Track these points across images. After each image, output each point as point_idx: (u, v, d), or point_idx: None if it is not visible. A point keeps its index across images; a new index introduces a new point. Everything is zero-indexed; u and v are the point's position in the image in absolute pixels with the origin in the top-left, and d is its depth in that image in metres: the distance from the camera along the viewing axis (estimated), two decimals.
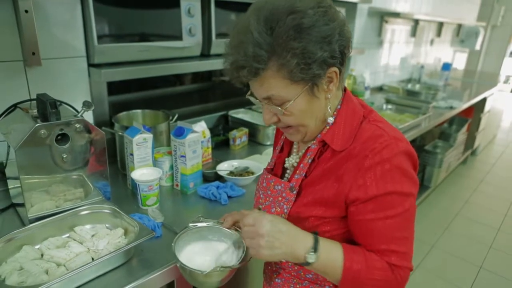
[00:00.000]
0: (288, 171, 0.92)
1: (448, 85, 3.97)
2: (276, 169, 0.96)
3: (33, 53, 1.25)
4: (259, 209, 0.92)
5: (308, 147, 0.86)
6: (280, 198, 0.87)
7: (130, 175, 1.32)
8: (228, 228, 0.95)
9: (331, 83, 0.77)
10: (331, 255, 0.76)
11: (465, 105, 3.22)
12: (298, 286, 0.91)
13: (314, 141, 0.85)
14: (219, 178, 1.48)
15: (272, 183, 0.90)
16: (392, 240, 0.76)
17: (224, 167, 1.52)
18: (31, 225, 1.02)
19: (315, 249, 0.75)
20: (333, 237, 0.81)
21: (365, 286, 0.76)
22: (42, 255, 0.97)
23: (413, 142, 3.07)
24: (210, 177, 1.48)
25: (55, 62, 1.36)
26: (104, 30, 1.39)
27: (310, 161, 0.84)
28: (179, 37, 1.61)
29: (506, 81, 4.76)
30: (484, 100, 3.91)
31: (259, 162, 1.56)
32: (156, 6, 1.51)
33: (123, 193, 1.39)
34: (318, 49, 0.69)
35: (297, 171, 0.86)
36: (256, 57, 0.69)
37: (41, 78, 1.34)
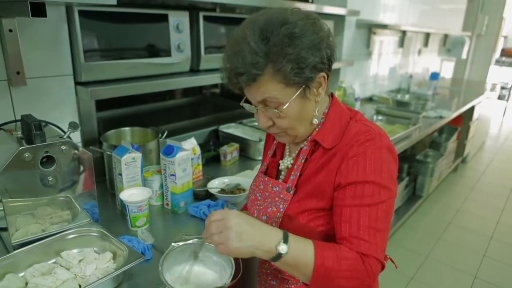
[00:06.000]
0: (282, 172, 0.97)
1: (436, 94, 4.01)
2: (270, 172, 1.00)
3: (18, 73, 1.22)
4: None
5: (300, 149, 0.92)
6: (277, 199, 0.91)
7: (119, 196, 1.29)
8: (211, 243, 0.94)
9: (320, 87, 0.84)
10: (302, 250, 0.76)
11: (454, 114, 3.25)
12: (293, 286, 0.92)
13: (306, 143, 0.91)
14: (210, 196, 1.45)
15: (270, 185, 0.94)
16: (365, 228, 0.78)
17: (215, 184, 1.50)
18: (15, 252, 0.98)
19: (285, 240, 0.75)
20: (328, 231, 0.85)
21: (336, 280, 0.75)
22: (26, 283, 0.93)
23: (404, 152, 3.07)
24: (201, 195, 1.45)
25: (41, 81, 1.33)
26: (91, 47, 1.37)
27: (303, 161, 0.90)
28: (167, 53, 1.59)
29: (492, 89, 4.82)
30: (472, 109, 3.95)
31: (251, 178, 1.53)
32: (144, 22, 1.49)
33: (112, 214, 1.35)
34: (310, 55, 0.77)
35: (292, 172, 0.91)
36: (254, 64, 0.76)
37: (26, 98, 1.31)
